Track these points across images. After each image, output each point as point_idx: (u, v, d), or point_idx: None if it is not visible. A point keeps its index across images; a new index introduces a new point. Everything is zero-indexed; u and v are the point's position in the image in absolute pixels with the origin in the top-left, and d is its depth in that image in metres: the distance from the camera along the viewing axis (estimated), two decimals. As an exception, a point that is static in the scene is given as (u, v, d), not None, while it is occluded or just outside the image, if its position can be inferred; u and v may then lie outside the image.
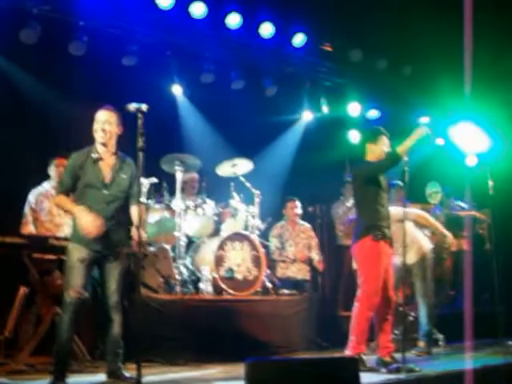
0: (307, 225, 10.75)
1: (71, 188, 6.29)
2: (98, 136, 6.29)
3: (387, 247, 7.17)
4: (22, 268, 6.98)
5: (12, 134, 8.98)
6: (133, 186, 6.35)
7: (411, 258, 8.73)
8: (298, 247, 10.53)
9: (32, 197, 8.12)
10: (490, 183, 8.75)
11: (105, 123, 6.28)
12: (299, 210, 10.67)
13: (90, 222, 6.06)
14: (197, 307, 8.35)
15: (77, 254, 6.13)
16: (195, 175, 10.08)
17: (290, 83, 11.68)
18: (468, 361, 7.68)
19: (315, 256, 10.60)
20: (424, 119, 7.70)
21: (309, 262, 10.51)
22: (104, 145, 6.31)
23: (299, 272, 10.47)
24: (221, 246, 9.03)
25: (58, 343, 6.12)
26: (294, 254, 10.50)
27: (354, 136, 12.33)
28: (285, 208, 10.75)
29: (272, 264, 10.43)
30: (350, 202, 10.92)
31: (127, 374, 6.27)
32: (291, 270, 10.48)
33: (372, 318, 7.16)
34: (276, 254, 10.49)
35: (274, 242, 10.54)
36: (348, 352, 7.02)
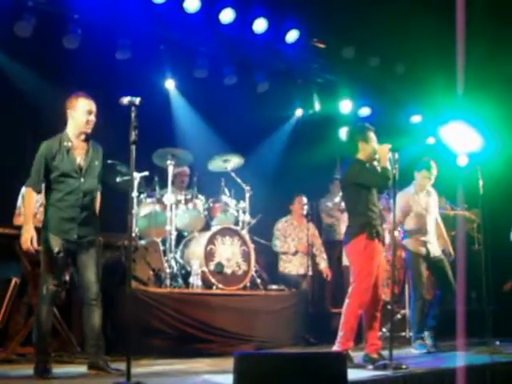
0: (312, 224, 10.79)
1: (43, 179, 6.27)
2: (85, 127, 6.31)
3: (380, 245, 7.21)
4: (14, 259, 7.01)
5: (5, 126, 8.98)
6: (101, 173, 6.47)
7: (437, 250, 8.98)
8: (302, 242, 10.60)
9: (24, 189, 8.13)
10: (480, 183, 8.79)
11: (91, 113, 6.32)
12: (306, 206, 10.76)
13: (28, 241, 6.13)
14: (186, 301, 8.38)
15: (52, 246, 6.14)
16: (185, 169, 10.12)
17: (282, 79, 11.70)
18: (455, 359, 7.74)
19: (321, 261, 10.72)
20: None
21: (310, 254, 10.54)
22: (85, 134, 6.35)
23: (301, 266, 10.52)
24: (211, 241, 9.06)
25: (38, 334, 6.16)
26: (296, 246, 10.57)
27: (344, 133, 12.33)
28: (292, 203, 10.84)
29: (274, 259, 10.53)
30: (338, 198, 10.99)
31: (113, 366, 6.27)
32: (293, 264, 10.55)
33: (361, 315, 7.20)
34: (278, 247, 10.58)
35: (277, 236, 10.65)
36: (336, 348, 7.04)
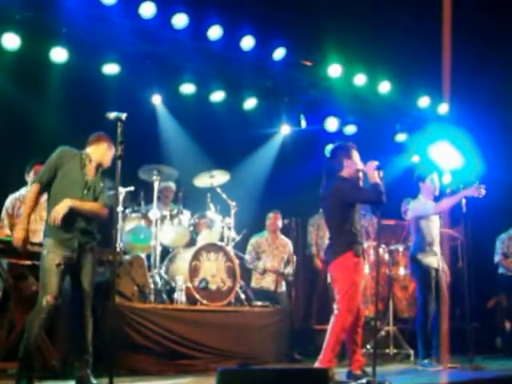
0: (287, 240, 10.80)
1: (50, 180, 6.33)
2: (107, 163, 6.58)
3: (363, 262, 7.26)
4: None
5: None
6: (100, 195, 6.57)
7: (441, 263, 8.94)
8: (275, 260, 10.59)
9: (9, 202, 8.15)
10: (463, 201, 8.83)
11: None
12: (280, 223, 10.76)
13: (20, 241, 6.20)
14: (170, 317, 8.36)
15: (53, 259, 6.15)
16: (171, 185, 10.14)
17: (269, 96, 11.74)
18: (438, 376, 7.76)
19: (290, 270, 10.65)
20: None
21: (278, 274, 10.53)
22: (101, 167, 6.55)
23: (273, 283, 10.51)
24: (196, 257, 9.04)
25: (27, 348, 6.11)
26: (266, 265, 10.55)
27: (329, 151, 12.33)
28: (267, 219, 10.81)
29: (247, 274, 10.49)
30: None
31: (95, 382, 6.25)
32: (266, 281, 10.52)
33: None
34: (249, 263, 10.55)
35: (249, 251, 10.62)
36: (319, 364, 7.01)
